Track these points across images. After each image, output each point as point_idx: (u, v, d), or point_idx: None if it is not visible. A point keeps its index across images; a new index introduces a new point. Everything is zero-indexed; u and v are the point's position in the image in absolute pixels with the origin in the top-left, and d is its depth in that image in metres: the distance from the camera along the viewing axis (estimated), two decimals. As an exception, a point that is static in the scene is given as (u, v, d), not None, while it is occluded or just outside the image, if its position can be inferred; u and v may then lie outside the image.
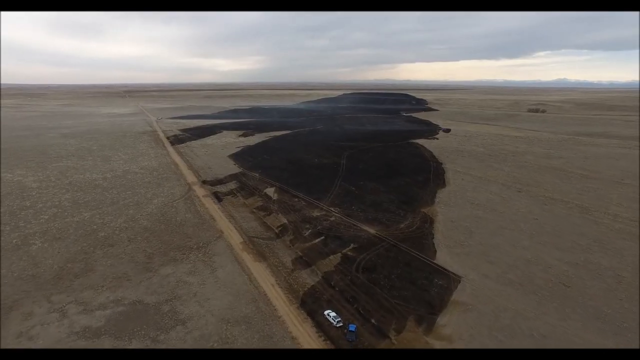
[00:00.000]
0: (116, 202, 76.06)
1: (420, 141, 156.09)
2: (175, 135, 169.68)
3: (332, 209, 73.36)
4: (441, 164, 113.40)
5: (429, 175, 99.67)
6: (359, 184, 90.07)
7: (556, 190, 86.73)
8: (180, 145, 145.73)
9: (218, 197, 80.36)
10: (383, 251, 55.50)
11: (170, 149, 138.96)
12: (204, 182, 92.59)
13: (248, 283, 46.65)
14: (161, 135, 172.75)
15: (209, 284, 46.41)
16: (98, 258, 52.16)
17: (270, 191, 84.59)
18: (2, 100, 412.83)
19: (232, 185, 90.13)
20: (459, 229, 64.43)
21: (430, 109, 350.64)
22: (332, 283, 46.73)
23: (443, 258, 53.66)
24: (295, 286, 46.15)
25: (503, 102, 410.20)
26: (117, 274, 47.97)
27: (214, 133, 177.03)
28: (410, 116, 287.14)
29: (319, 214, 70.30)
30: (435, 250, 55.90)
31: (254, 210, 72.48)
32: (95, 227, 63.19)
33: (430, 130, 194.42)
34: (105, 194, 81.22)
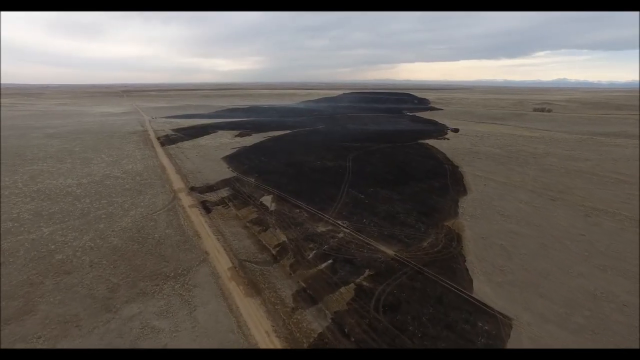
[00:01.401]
0: (86, 214, 64.84)
1: (430, 142, 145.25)
2: (166, 135, 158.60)
3: (340, 222, 62.23)
4: (457, 167, 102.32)
5: (447, 180, 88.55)
6: (368, 191, 78.85)
7: (594, 198, 75.77)
8: (171, 146, 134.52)
9: (206, 208, 69.16)
10: (406, 280, 44.36)
11: (159, 150, 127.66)
12: (192, 188, 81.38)
13: (236, 330, 35.46)
14: (152, 135, 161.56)
15: (184, 331, 35.23)
16: (45, 292, 40.90)
17: (267, 200, 73.49)
18: (1, 100, 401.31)
19: (224, 192, 78.93)
20: (493, 248, 53.39)
21: (434, 108, 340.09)
22: (346, 330, 35.58)
23: (482, 290, 42.57)
24: (298, 334, 34.96)
25: (507, 102, 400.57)
26: (64, 317, 36.73)
27: (208, 133, 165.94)
28: (414, 115, 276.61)
29: (324, 229, 59.15)
30: (471, 279, 44.78)
31: (248, 224, 61.29)
32: (53, 247, 51.93)
33: (439, 130, 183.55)
34: (75, 204, 69.98)
